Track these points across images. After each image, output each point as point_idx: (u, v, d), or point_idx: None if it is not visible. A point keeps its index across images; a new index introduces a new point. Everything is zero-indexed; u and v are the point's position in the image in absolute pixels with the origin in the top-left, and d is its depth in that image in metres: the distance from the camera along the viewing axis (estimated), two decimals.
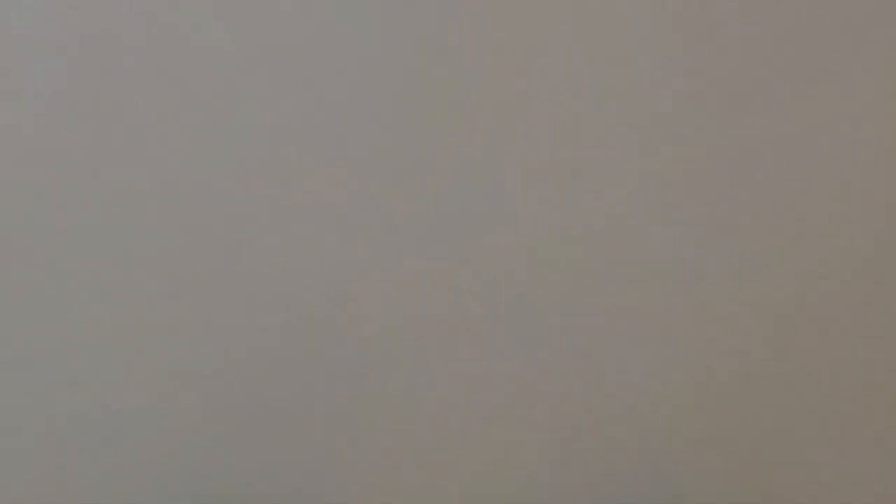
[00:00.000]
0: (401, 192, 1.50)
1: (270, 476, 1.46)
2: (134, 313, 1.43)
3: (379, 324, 1.50)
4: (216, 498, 1.44)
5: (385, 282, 1.49)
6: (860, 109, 1.62)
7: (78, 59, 1.43)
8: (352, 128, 1.49)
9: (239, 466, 1.44)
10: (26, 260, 1.42)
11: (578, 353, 1.54)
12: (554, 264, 1.54)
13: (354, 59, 1.49)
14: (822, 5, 1.60)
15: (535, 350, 1.52)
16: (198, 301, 1.46)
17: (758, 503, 1.55)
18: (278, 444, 1.47)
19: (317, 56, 1.48)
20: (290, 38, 1.48)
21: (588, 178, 1.56)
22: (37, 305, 1.42)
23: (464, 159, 1.50)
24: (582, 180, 1.55)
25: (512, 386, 1.53)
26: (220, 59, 1.46)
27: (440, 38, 1.51)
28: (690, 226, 1.58)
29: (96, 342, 1.44)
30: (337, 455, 1.47)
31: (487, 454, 1.53)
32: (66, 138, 1.44)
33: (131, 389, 1.41)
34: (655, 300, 1.58)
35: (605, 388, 1.54)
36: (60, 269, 1.41)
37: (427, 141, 1.51)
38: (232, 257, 1.48)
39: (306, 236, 1.48)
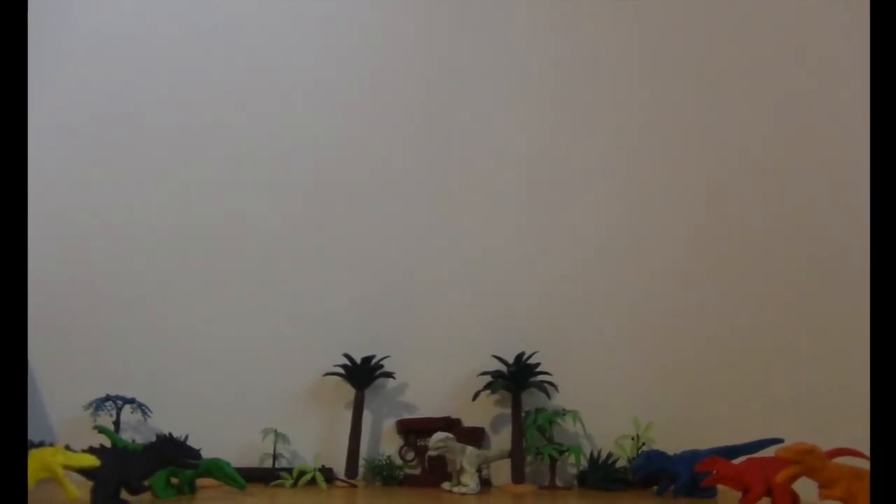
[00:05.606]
0: (431, 231, 3.99)
1: (376, 336, 3.85)
2: (345, 289, 4.00)
3: (418, 280, 3.94)
4: (361, 336, 3.84)
5: (421, 268, 3.95)
6: None
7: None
8: (408, 194, 4.00)
9: (366, 329, 3.86)
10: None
11: (493, 286, 3.92)
12: (485, 251, 3.94)
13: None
14: None
15: (474, 287, 3.93)
16: (352, 278, 3.96)
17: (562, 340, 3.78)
18: (380, 322, 3.90)
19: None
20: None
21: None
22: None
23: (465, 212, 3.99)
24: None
25: (465, 303, 3.92)
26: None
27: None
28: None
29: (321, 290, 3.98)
30: (405, 329, 3.89)
31: (459, 325, 3.90)
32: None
33: (332, 307, 3.93)
34: (530, 265, 3.93)
35: (506, 293, 3.90)
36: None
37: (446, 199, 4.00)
38: (359, 260, 3.98)
39: (388, 251, 3.97)
